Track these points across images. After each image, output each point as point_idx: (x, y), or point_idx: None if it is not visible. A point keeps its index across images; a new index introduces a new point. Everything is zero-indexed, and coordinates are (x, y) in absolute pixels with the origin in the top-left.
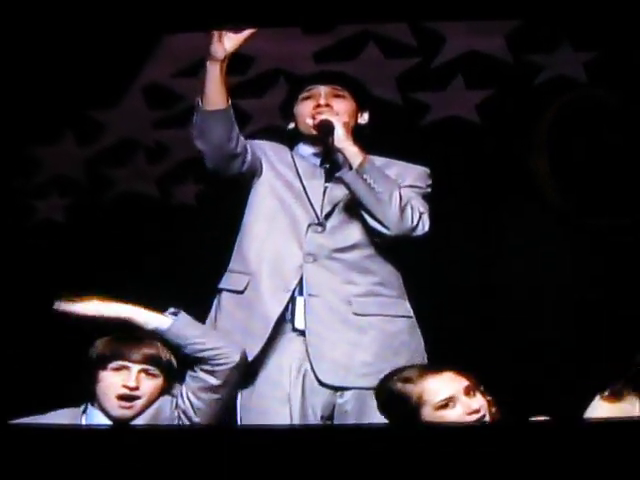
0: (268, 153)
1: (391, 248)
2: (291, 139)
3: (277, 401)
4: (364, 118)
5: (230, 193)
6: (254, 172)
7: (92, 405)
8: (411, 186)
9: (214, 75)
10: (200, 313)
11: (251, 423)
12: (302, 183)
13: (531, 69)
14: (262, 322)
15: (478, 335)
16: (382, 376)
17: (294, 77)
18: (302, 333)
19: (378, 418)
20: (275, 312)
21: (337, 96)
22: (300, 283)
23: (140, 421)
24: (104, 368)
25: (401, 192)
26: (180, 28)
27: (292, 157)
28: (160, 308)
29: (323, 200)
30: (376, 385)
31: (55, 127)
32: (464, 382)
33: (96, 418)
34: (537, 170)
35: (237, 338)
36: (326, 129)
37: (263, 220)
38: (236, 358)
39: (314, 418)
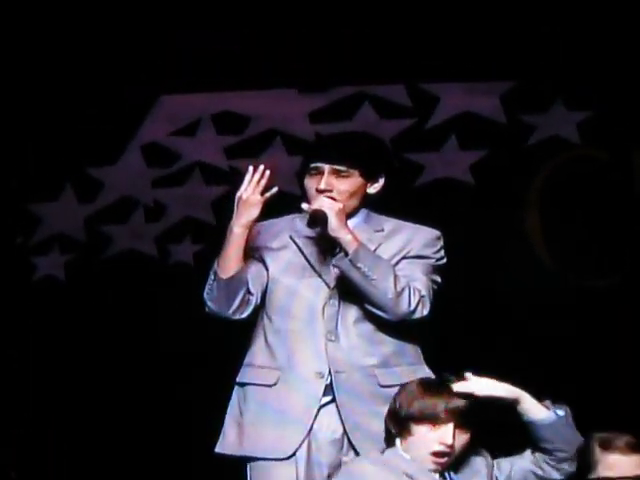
0: (266, 238)
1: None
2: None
3: (283, 460)
4: (375, 187)
5: None
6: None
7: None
8: (418, 257)
9: (242, 240)
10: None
11: None
12: (307, 260)
13: (525, 129)
14: (302, 410)
15: None
16: None
17: (307, 143)
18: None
19: None
20: (316, 399)
21: (340, 176)
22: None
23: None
24: (419, 423)
25: (397, 276)
26: (178, 89)
27: (291, 237)
28: (155, 362)
29: (333, 274)
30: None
31: (56, 185)
32: None
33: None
34: (529, 229)
35: (271, 429)
36: (318, 220)
37: (281, 314)
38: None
39: (320, 476)
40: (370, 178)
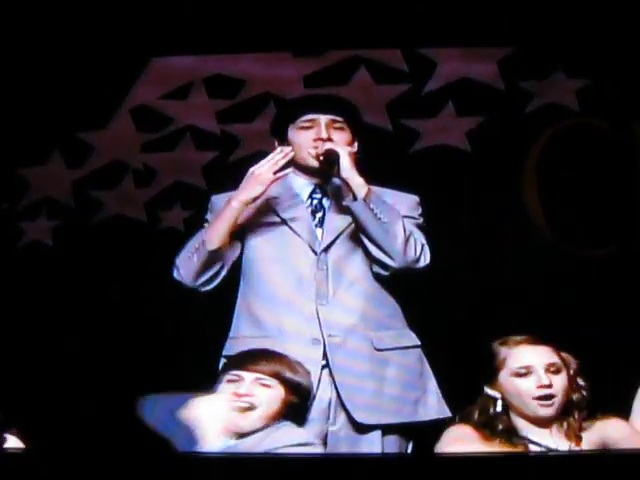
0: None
1: (392, 280)
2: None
3: None
4: (355, 146)
5: None
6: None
7: None
8: (406, 217)
9: (237, 215)
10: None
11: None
12: (289, 226)
13: (523, 96)
14: None
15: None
16: (406, 411)
17: (286, 100)
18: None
19: (370, 443)
20: (317, 365)
21: (336, 128)
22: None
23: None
24: (220, 381)
25: (405, 223)
26: (169, 51)
27: (269, 204)
28: (145, 330)
29: (320, 238)
30: None
31: (43, 149)
32: (552, 359)
33: None
34: (527, 198)
35: None
36: (331, 159)
37: (264, 282)
38: None
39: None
40: (355, 134)
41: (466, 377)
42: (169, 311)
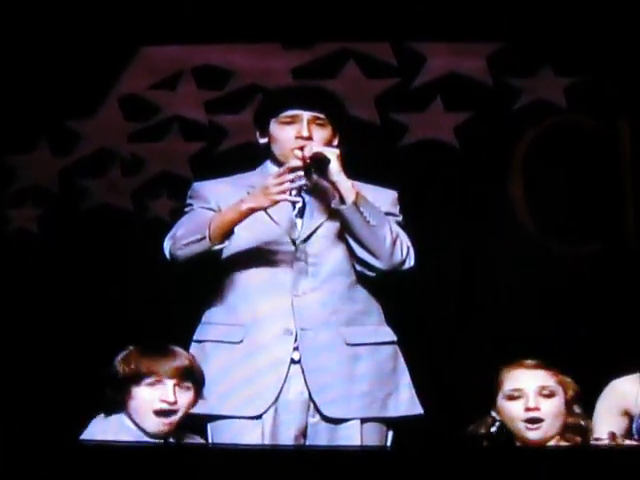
0: (224, 196)
1: (374, 276)
2: (261, 153)
3: (251, 419)
4: (336, 142)
5: None
6: None
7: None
8: (388, 214)
9: (242, 219)
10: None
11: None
12: (269, 216)
13: (511, 92)
14: (272, 368)
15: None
16: (376, 406)
17: (270, 91)
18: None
19: (348, 436)
20: (286, 356)
21: (318, 124)
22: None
23: None
24: (138, 384)
25: (391, 225)
26: (158, 40)
27: (249, 194)
28: (131, 317)
29: (299, 229)
30: None
31: (30, 136)
32: (545, 382)
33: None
34: (512, 194)
35: (241, 387)
36: (320, 163)
37: (240, 269)
38: None
39: (287, 437)
40: (337, 130)
41: (445, 375)
42: (154, 299)
